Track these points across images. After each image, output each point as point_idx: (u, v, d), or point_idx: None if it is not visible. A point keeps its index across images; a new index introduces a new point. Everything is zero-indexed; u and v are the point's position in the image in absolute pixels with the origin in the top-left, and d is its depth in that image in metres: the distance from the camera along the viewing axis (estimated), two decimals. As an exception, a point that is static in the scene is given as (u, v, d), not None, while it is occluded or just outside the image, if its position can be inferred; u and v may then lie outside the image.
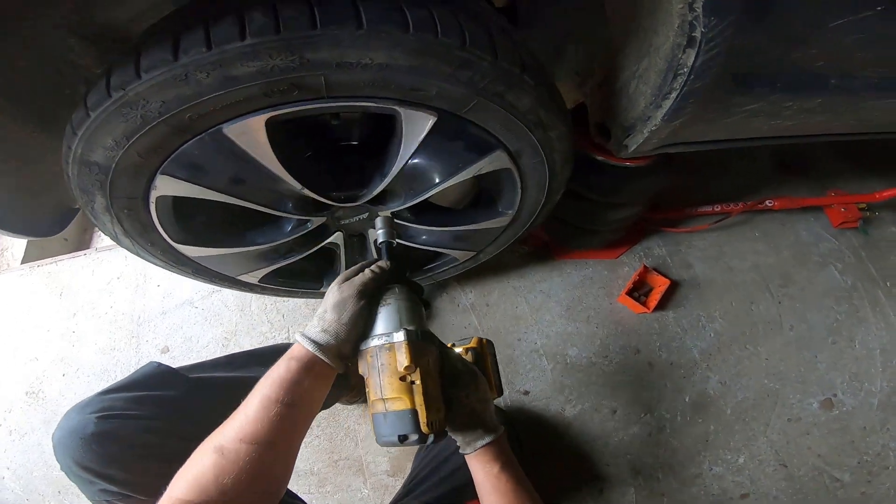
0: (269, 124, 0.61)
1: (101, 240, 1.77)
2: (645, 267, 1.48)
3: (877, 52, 0.75)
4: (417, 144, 0.71)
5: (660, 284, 1.46)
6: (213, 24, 0.51)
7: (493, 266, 1.50)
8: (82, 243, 1.79)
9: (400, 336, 0.63)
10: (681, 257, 1.57)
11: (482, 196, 1.02)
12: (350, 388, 1.22)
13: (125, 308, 1.52)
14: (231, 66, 0.53)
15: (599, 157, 1.10)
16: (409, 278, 0.76)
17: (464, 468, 0.74)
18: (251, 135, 0.61)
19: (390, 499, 1.13)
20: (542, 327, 1.47)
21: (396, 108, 0.64)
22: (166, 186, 0.69)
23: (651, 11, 0.71)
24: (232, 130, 0.60)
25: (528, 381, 1.41)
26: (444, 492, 1.04)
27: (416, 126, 0.68)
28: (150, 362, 0.86)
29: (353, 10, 0.53)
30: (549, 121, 0.75)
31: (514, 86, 0.67)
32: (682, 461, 1.34)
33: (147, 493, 0.70)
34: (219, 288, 1.49)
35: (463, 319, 1.47)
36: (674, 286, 1.50)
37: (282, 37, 0.51)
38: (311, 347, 0.61)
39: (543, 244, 1.55)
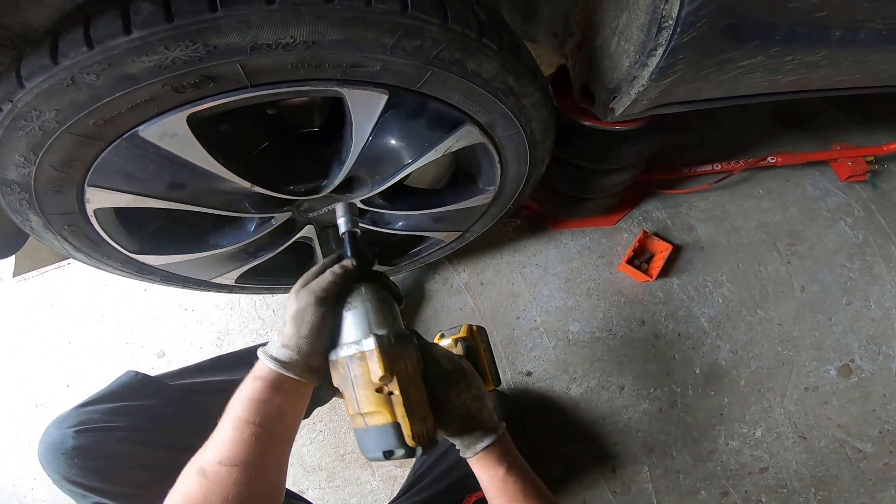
0: (195, 121, 0.54)
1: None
2: (645, 232, 1.40)
3: (883, 3, 0.66)
4: (372, 127, 0.63)
5: (662, 250, 1.38)
6: (93, 20, 0.44)
7: (484, 242, 1.43)
8: (69, 250, 1.75)
9: (370, 343, 0.56)
10: (682, 219, 1.48)
11: (461, 173, 0.94)
12: None
13: (116, 315, 1.49)
14: (122, 64, 0.45)
15: (586, 123, 1.01)
16: (377, 273, 0.68)
17: (463, 461, 0.69)
18: (174, 135, 0.54)
19: (399, 490, 1.12)
20: (540, 303, 1.41)
21: (338, 89, 0.56)
22: (99, 199, 0.62)
23: (624, -46, 0.61)
24: (150, 133, 0.53)
25: (529, 362, 1.36)
26: (446, 486, 1.01)
27: (366, 107, 0.60)
28: (127, 371, 0.83)
29: None
30: (519, 87, 0.67)
31: (472, 51, 0.58)
32: (697, 437, 1.30)
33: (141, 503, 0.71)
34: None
35: (457, 301, 1.41)
36: (676, 251, 1.42)
37: (175, 25, 0.43)
38: (272, 365, 0.56)
39: (536, 215, 1.47)
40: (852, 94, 0.99)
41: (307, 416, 1.13)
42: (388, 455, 0.56)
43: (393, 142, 0.70)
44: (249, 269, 0.96)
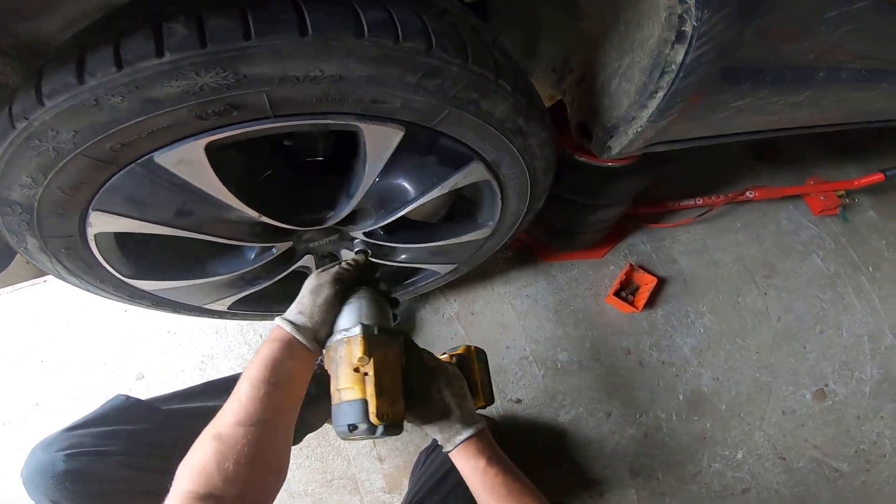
0: (211, 149, 0.53)
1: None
2: (631, 266, 1.44)
3: (865, 44, 0.72)
4: (385, 162, 0.64)
5: (647, 283, 1.43)
6: (124, 39, 0.43)
7: (475, 273, 1.44)
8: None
9: (356, 330, 0.66)
10: (665, 253, 1.54)
11: (460, 208, 0.96)
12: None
13: (94, 335, 1.42)
14: (150, 88, 0.45)
15: (581, 158, 1.05)
16: (377, 280, 0.79)
17: (460, 489, 0.72)
18: (190, 163, 0.53)
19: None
20: (530, 333, 1.42)
21: (357, 123, 0.57)
22: (102, 223, 0.61)
23: (633, 4, 0.65)
24: (165, 159, 0.52)
25: (519, 389, 1.37)
26: None
27: (382, 142, 0.61)
28: (118, 395, 0.82)
29: (295, 13, 0.45)
30: (528, 128, 0.69)
31: (488, 92, 0.60)
32: (681, 460, 1.33)
33: None
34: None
35: (448, 330, 1.41)
36: (661, 283, 1.47)
37: (208, 51, 0.43)
38: (288, 328, 0.64)
39: (527, 247, 1.49)
40: (828, 130, 1.06)
41: (298, 441, 1.09)
42: (352, 429, 0.62)
43: (402, 177, 0.71)
44: (243, 296, 0.94)
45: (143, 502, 0.71)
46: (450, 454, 0.71)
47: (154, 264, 0.78)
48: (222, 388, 0.95)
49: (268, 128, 0.53)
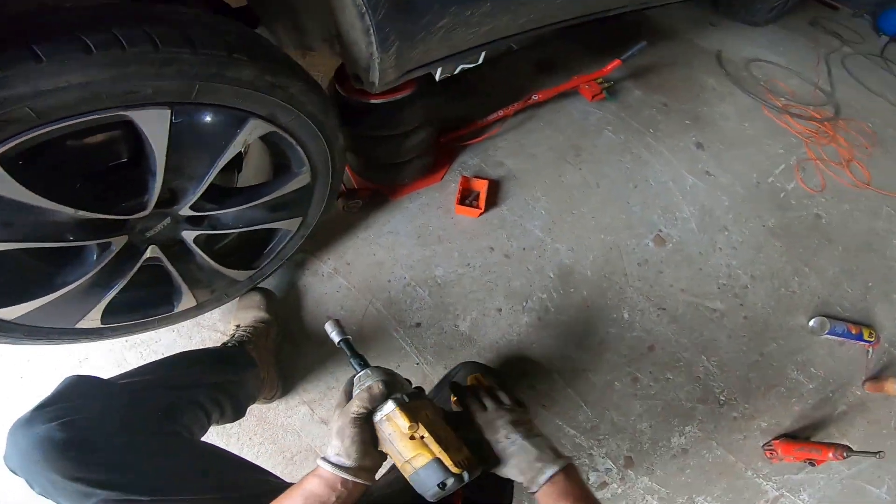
0: (6, 160, 0.64)
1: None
2: (464, 177, 1.68)
3: None
4: (167, 138, 0.77)
5: (481, 187, 1.68)
6: None
7: (337, 229, 1.60)
8: None
9: (390, 405, 0.69)
10: (492, 160, 1.80)
11: (278, 164, 1.11)
12: (262, 384, 1.24)
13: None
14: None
15: (372, 101, 1.24)
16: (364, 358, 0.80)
17: None
18: (-14, 176, 0.64)
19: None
20: (403, 262, 1.58)
21: (124, 113, 0.70)
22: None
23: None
24: (-37, 178, 0.63)
25: (414, 314, 1.50)
26: None
27: (156, 122, 0.74)
28: (70, 375, 0.82)
29: (27, 49, 0.58)
30: (281, 82, 0.85)
31: (227, 65, 0.75)
32: (580, 333, 1.47)
33: (143, 490, 0.71)
34: (86, 356, 1.43)
35: (332, 285, 1.55)
36: (496, 184, 1.73)
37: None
38: (328, 468, 0.67)
39: (374, 193, 1.67)
40: (543, 30, 1.29)
41: (242, 415, 1.16)
42: (442, 486, 0.66)
43: (193, 146, 0.84)
44: (109, 304, 1.00)
45: (137, 461, 0.74)
46: (535, 496, 0.68)
47: (6, 289, 0.85)
48: (153, 367, 0.98)
49: (43, 133, 0.66)
